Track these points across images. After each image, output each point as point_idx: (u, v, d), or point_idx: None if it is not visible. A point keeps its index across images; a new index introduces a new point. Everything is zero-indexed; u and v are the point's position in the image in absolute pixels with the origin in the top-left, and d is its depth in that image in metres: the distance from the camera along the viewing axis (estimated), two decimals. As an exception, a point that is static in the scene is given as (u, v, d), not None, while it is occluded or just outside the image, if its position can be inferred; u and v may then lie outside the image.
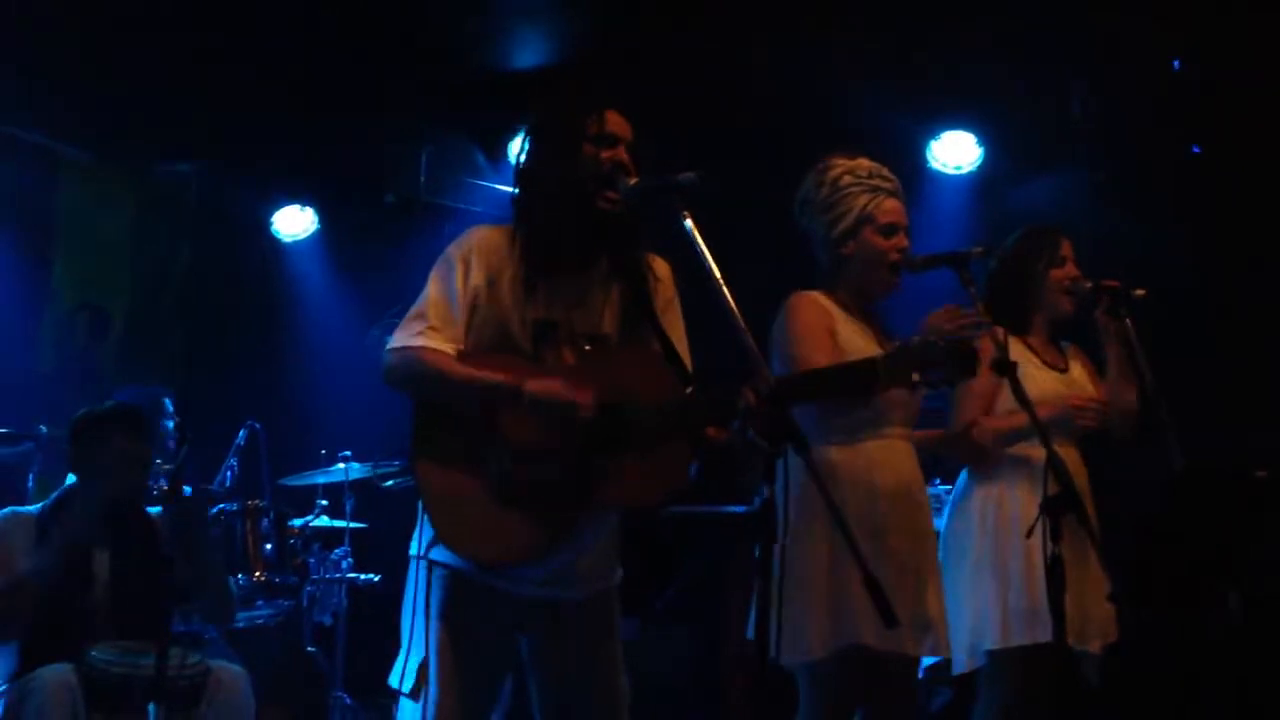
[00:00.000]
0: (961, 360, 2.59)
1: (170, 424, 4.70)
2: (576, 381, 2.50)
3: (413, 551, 2.68)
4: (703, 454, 2.53)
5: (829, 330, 3.06)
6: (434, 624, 2.59)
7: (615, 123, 2.67)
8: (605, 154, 2.62)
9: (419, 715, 2.56)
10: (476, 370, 2.55)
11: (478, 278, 2.61)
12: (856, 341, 3.05)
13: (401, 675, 2.60)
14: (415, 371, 2.58)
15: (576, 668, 2.66)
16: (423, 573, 2.63)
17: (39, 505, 3.74)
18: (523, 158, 2.72)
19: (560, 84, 2.83)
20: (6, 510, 3.74)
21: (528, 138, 2.74)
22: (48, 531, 3.58)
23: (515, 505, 2.53)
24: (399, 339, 2.61)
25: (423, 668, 2.57)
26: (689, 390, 2.55)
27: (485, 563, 2.57)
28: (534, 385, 2.49)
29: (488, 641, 2.62)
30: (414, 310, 2.63)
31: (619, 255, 2.68)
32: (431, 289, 2.63)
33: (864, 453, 3.03)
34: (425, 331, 2.58)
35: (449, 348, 2.58)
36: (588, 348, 2.63)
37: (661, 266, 2.75)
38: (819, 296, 3.14)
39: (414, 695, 2.57)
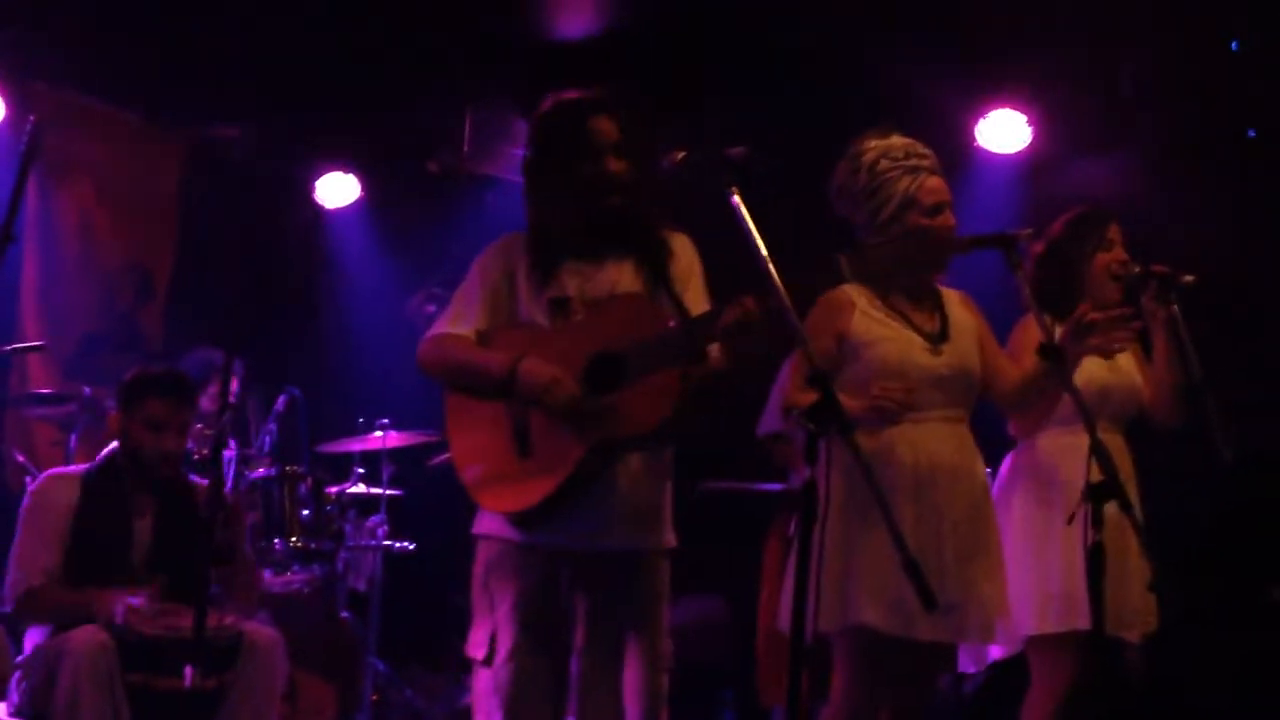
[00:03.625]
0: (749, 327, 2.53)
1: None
2: (573, 345, 2.68)
3: (474, 530, 2.86)
4: (692, 380, 2.63)
5: (834, 333, 3.05)
6: (495, 594, 2.78)
7: (600, 130, 2.78)
8: (588, 168, 2.75)
9: (492, 682, 2.74)
10: (482, 353, 2.78)
11: (494, 275, 2.84)
12: (876, 331, 3.05)
13: (474, 645, 2.79)
14: (434, 356, 2.84)
15: (620, 621, 2.77)
16: (480, 548, 2.84)
17: (84, 466, 3.77)
18: (526, 159, 2.89)
19: (545, 96, 2.90)
20: (51, 471, 3.78)
21: (529, 141, 2.90)
22: (93, 494, 3.62)
23: (532, 450, 2.71)
24: (429, 332, 2.86)
25: (493, 637, 2.75)
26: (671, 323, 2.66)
27: (512, 511, 2.72)
28: (525, 366, 2.69)
29: (546, 603, 2.77)
30: (445, 310, 2.89)
31: (630, 239, 2.81)
32: (459, 290, 2.88)
33: (887, 437, 3.00)
34: (447, 321, 2.85)
35: (467, 330, 2.81)
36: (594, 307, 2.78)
37: (680, 241, 2.86)
38: (843, 294, 3.09)
39: (487, 663, 2.75)
